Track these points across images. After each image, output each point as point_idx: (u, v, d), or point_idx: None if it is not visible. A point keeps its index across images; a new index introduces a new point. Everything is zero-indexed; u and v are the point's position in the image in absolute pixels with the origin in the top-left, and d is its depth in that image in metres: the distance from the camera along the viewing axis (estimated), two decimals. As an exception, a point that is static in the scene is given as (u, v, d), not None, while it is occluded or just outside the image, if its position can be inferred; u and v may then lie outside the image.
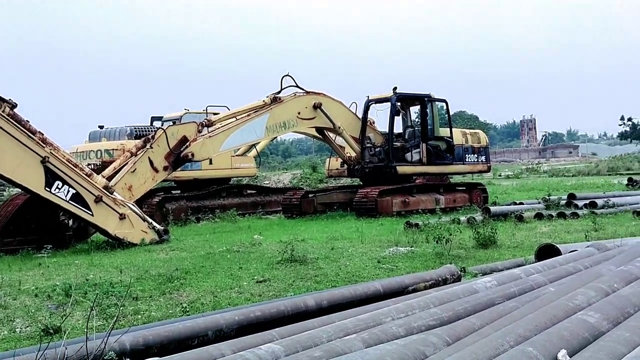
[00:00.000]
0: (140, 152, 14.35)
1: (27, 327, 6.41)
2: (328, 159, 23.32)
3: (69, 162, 12.41)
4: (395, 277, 7.35)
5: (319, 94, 18.10)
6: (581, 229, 12.20)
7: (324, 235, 13.44)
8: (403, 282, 6.50)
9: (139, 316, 6.69)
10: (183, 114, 20.99)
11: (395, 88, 18.88)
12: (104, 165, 15.13)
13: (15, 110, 11.78)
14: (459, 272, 7.23)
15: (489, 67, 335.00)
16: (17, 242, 12.96)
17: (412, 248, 10.83)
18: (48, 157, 11.79)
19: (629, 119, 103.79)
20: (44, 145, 11.95)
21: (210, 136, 15.43)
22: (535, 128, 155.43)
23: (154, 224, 13.67)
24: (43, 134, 12.24)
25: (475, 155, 20.93)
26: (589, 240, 9.73)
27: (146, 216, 13.76)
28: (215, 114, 18.54)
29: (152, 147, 14.35)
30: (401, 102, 19.34)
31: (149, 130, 19.80)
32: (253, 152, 23.51)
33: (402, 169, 18.91)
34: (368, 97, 19.65)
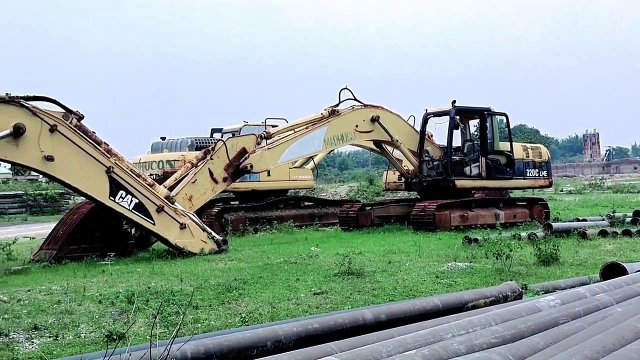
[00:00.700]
0: (200, 163, 14.62)
1: (92, 332, 6.58)
2: (385, 172, 23.25)
3: (132, 172, 12.73)
4: (454, 292, 7.26)
5: (377, 107, 18.08)
6: (648, 248, 11.80)
7: (381, 248, 13.38)
8: (462, 298, 6.40)
9: (199, 325, 6.79)
10: (242, 126, 21.26)
11: (454, 101, 18.70)
12: (166, 175, 15.51)
13: (82, 121, 12.17)
14: (520, 290, 7.08)
15: (551, 80, 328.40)
16: (81, 249, 13.34)
17: (471, 263, 10.67)
18: (113, 167, 12.13)
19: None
20: (109, 156, 12.30)
21: (268, 148, 15.59)
22: (598, 142, 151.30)
23: (214, 234, 13.87)
24: (108, 145, 12.60)
25: (537, 170, 20.49)
26: (656, 260, 9.40)
27: (206, 226, 13.97)
28: (273, 126, 18.73)
29: (212, 159, 14.60)
30: (460, 115, 19.11)
31: (209, 142, 20.11)
32: (310, 164, 23.62)
33: (460, 182, 18.67)
34: (426, 110, 19.51)
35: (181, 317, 6.66)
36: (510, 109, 20.18)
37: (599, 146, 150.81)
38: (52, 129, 11.51)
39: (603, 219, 17.23)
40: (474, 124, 20.85)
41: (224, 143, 15.01)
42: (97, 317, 7.26)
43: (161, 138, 21.78)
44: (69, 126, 11.79)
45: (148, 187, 12.78)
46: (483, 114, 19.23)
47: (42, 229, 21.44)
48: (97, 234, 13.66)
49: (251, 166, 15.03)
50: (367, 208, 20.12)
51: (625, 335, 3.74)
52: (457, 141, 19.65)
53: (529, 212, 19.54)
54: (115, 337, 6.01)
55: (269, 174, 19.98)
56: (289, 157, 16.65)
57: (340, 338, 4.70)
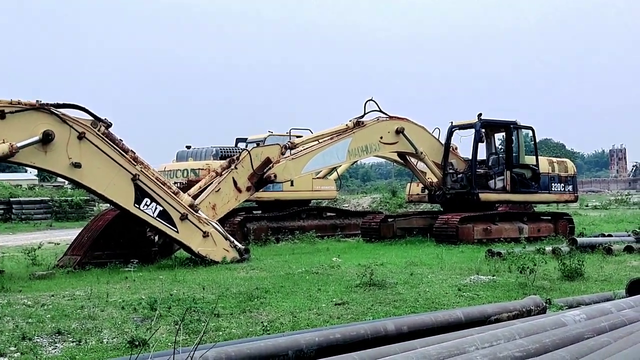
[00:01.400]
0: (225, 172, 14.70)
1: (114, 338, 6.63)
2: (409, 183, 23.15)
3: (157, 180, 12.84)
4: (477, 305, 7.20)
5: (402, 118, 18.06)
6: (675, 265, 11.60)
7: (403, 260, 13.32)
8: (485, 311, 6.34)
9: (220, 333, 6.81)
10: (267, 136, 21.38)
11: (480, 114, 18.61)
12: (190, 184, 15.63)
13: (109, 129, 12.32)
14: (544, 304, 6.99)
15: (576, 94, 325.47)
16: (105, 255, 13.45)
17: (494, 277, 10.58)
18: (138, 175, 12.24)
19: None
20: (135, 164, 12.42)
21: (292, 158, 15.63)
22: (625, 158, 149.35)
23: (236, 242, 13.92)
24: (135, 153, 12.73)
25: (562, 185, 20.28)
26: (684, 277, 9.23)
27: (228, 235, 14.03)
28: (298, 136, 18.80)
29: (236, 168, 14.68)
30: (486, 128, 19.02)
31: (233, 151, 20.24)
32: (334, 175, 23.65)
33: (484, 196, 18.55)
34: (452, 122, 19.44)
35: (203, 324, 6.68)
36: (536, 122, 20.05)
37: (625, 162, 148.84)
38: (81, 136, 11.66)
39: (629, 235, 16.97)
40: (499, 137, 20.74)
41: (249, 152, 15.09)
42: (119, 323, 7.31)
43: (186, 147, 21.96)
44: (97, 134, 11.94)
45: (172, 195, 12.88)
46: (509, 127, 19.11)
47: (67, 235, 21.71)
48: (121, 240, 13.77)
49: (275, 176, 15.07)
50: (390, 220, 20.05)
51: (652, 352, 3.69)
52: (482, 154, 19.55)
53: (554, 226, 19.33)
54: (137, 343, 6.05)
55: (292, 184, 20.06)
56: (313, 168, 16.67)
57: (361, 349, 4.68)
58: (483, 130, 18.70)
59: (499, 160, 19.39)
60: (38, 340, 6.53)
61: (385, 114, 17.70)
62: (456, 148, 20.06)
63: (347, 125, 17.04)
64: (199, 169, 19.24)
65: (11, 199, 34.08)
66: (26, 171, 62.52)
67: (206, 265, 12.87)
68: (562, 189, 20.30)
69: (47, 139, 11.25)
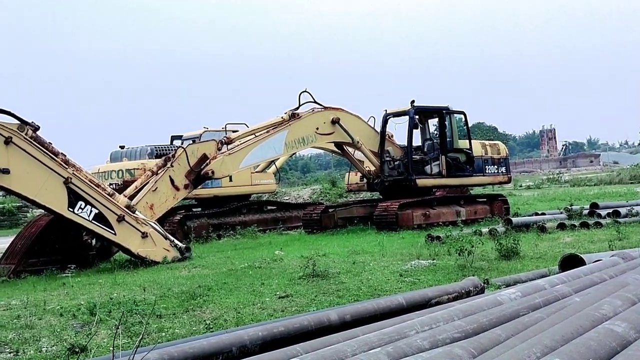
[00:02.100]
0: (161, 171, 14.48)
1: (53, 346, 6.46)
2: (347, 173, 23.32)
3: (91, 182, 12.55)
4: (418, 290, 7.33)
5: (336, 109, 18.14)
6: (605, 239, 12.06)
7: (345, 249, 13.42)
8: (426, 295, 6.47)
9: (163, 334, 6.72)
10: (202, 132, 21.15)
11: (413, 101, 18.87)
12: (126, 184, 15.29)
13: (37, 132, 11.95)
14: (482, 284, 7.18)
15: (506, 76, 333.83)
16: (41, 262, 13.07)
17: (434, 261, 10.78)
18: (71, 178, 11.93)
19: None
20: (67, 167, 12.10)
21: (229, 153, 15.51)
22: (555, 138, 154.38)
23: (176, 241, 13.74)
24: (65, 155, 12.39)
25: (495, 167, 20.80)
26: (613, 250, 9.63)
27: (168, 234, 13.85)
28: (234, 131, 18.66)
29: (172, 166, 14.48)
30: (419, 115, 19.30)
31: (169, 149, 19.96)
32: (272, 169, 23.61)
33: (422, 181, 18.85)
34: (386, 110, 19.66)
35: (144, 326, 6.58)
36: (468, 107, 20.47)
37: (555, 141, 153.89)
38: (7, 141, 11.27)
39: (561, 213, 17.58)
40: (433, 123, 21.07)
41: (184, 150, 14.89)
42: (58, 330, 7.13)
43: (120, 147, 21.49)
44: (24, 138, 11.56)
45: (108, 196, 12.61)
46: (442, 113, 19.46)
47: (-1, 243, 20.99)
48: (56, 246, 13.40)
49: (212, 172, 14.94)
50: (330, 210, 20.17)
51: (583, 324, 3.83)
52: (417, 140, 19.86)
53: (490, 208, 19.83)
54: (77, 350, 5.91)
55: (230, 180, 19.93)
56: (251, 162, 16.59)
57: (305, 340, 4.71)
58: (417, 116, 18.97)
59: (434, 145, 19.73)
60: (-28, 354, 6.31)
61: (320, 105, 17.76)
62: (392, 136, 20.31)
63: (282, 117, 17.01)
64: (134, 168, 18.88)
65: (-62, 210, 32.78)
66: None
67: (147, 266, 12.67)
68: (496, 171, 20.81)
69: (-29, 145, 10.84)
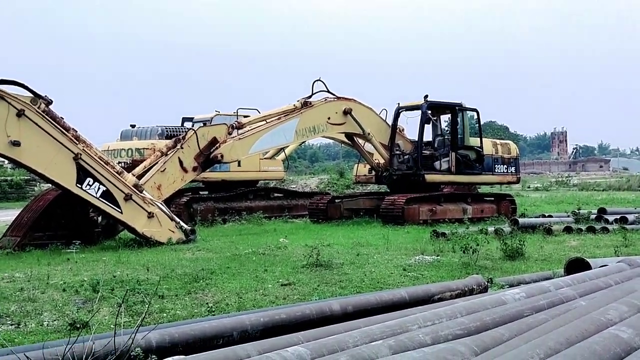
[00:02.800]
0: (170, 152, 14.49)
1: (55, 320, 6.48)
2: (356, 164, 23.31)
3: (100, 159, 12.57)
4: (421, 285, 7.31)
5: (349, 99, 18.09)
6: (611, 244, 11.99)
7: (350, 241, 13.41)
8: (429, 290, 6.44)
9: (165, 314, 6.73)
10: (214, 115, 21.13)
11: (426, 96, 18.80)
12: (135, 163, 15.33)
13: (50, 106, 11.96)
14: (486, 283, 7.15)
15: (520, 76, 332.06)
16: (46, 236, 13.13)
17: (439, 257, 10.75)
18: (80, 154, 11.95)
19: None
20: (77, 142, 12.11)
21: (240, 138, 15.50)
22: (566, 141, 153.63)
23: (182, 223, 13.77)
24: (77, 131, 12.41)
25: (505, 166, 20.72)
26: (619, 256, 9.56)
27: (174, 215, 13.87)
28: (245, 116, 18.65)
29: (182, 148, 14.48)
30: (432, 110, 19.23)
31: (179, 131, 19.98)
32: (281, 156, 23.60)
33: (430, 177, 18.80)
34: (398, 104, 19.60)
35: (146, 306, 6.59)
36: (480, 105, 20.38)
37: (566, 144, 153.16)
38: (20, 114, 11.30)
39: (568, 216, 17.51)
40: (445, 119, 21.00)
41: (195, 132, 14.90)
42: (60, 305, 7.15)
43: (131, 126, 21.54)
44: (36, 111, 11.58)
45: (116, 175, 12.63)
46: (454, 109, 19.37)
47: (6, 215, 21.04)
48: (62, 221, 13.44)
49: (222, 156, 14.93)
50: (337, 200, 20.16)
51: (587, 328, 3.80)
52: (428, 136, 19.79)
53: (497, 207, 19.77)
54: (78, 325, 5.91)
55: (239, 165, 19.95)
56: (260, 148, 16.60)
57: (307, 329, 4.70)
58: (429, 111, 18.90)
59: (445, 141, 19.65)
60: (-26, 323, 6.33)
61: (333, 95, 17.71)
62: (403, 129, 20.27)
63: (294, 105, 16.98)
64: (143, 148, 18.92)
65: (-53, 179, 32.94)
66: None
67: (151, 246, 12.69)
68: (505, 171, 20.74)
69: (-17, 116, 10.86)
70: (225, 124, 15.89)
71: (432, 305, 5.42)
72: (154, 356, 4.18)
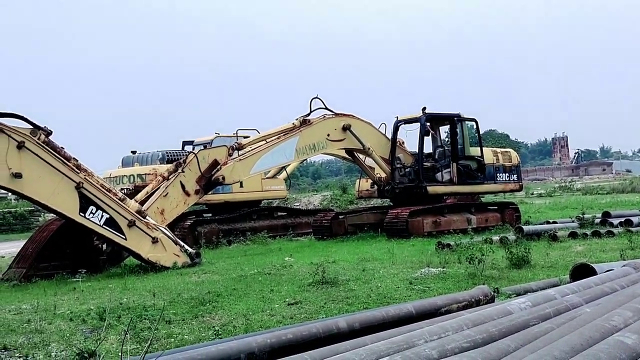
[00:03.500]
0: (172, 176, 14.54)
1: (62, 351, 6.48)
2: (358, 180, 23.33)
3: (102, 187, 12.61)
4: (427, 298, 7.30)
5: (348, 115, 18.16)
6: (617, 248, 11.95)
7: (355, 256, 13.40)
8: (435, 303, 6.44)
9: (172, 339, 6.72)
10: (214, 137, 21.22)
11: (424, 108, 18.87)
12: (137, 189, 15.37)
13: (50, 137, 12.03)
14: (492, 293, 7.13)
15: (518, 84, 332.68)
16: (52, 266, 13.15)
17: (444, 269, 10.73)
18: (82, 183, 12.00)
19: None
20: (79, 171, 12.16)
21: (240, 159, 15.55)
22: (567, 146, 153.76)
23: (186, 247, 13.77)
24: (77, 160, 12.47)
25: (507, 174, 20.72)
26: (625, 259, 9.54)
27: (178, 239, 13.88)
28: (245, 137, 18.72)
29: (183, 171, 14.54)
30: (430, 122, 19.27)
31: (180, 155, 20.04)
32: (283, 175, 23.64)
33: (432, 189, 18.80)
34: (397, 117, 19.66)
35: (153, 332, 6.59)
36: (479, 114, 20.42)
37: (567, 149, 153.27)
38: (20, 146, 11.37)
39: (573, 221, 17.48)
40: (444, 130, 21.05)
41: (196, 155, 14.95)
42: (68, 335, 7.15)
43: (132, 152, 21.62)
44: (37, 142, 11.65)
45: (119, 201, 12.67)
46: (453, 120, 19.42)
47: (11, 247, 21.12)
48: (67, 250, 13.48)
49: (223, 178, 14.97)
50: (341, 216, 20.16)
51: (593, 335, 3.80)
52: (428, 148, 19.82)
53: (501, 216, 19.75)
54: (86, 355, 5.91)
55: (241, 185, 19.98)
56: (261, 168, 16.63)
57: (314, 347, 4.69)
58: (428, 123, 18.95)
59: (445, 152, 19.68)
60: (-18, 357, 6.34)
61: (331, 111, 17.79)
62: (403, 142, 20.30)
63: (293, 124, 17.05)
64: (145, 174, 18.97)
65: (-49, 213, 33.04)
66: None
67: (157, 271, 12.70)
68: (507, 179, 20.73)
69: (-16, 149, 10.92)
70: (225, 145, 15.96)
71: (439, 319, 5.42)
72: (162, 383, 4.19)
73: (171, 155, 20.33)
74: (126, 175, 19.70)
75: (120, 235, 12.54)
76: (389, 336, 4.59)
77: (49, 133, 11.99)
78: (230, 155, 15.53)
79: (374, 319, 5.79)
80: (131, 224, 12.63)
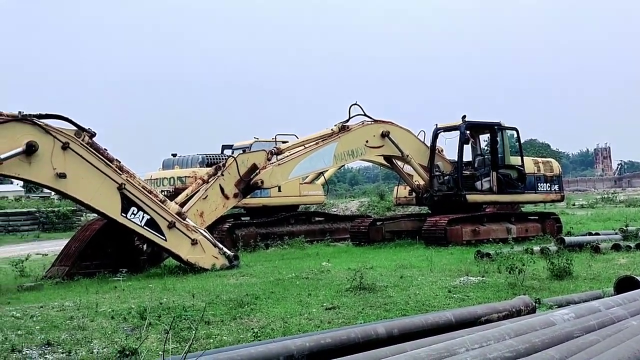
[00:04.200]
0: (211, 179, 14.68)
1: (104, 348, 6.59)
2: (396, 187, 23.20)
3: (144, 188, 12.80)
4: (467, 307, 7.22)
5: (387, 122, 18.11)
6: (662, 261, 11.70)
7: (393, 263, 13.34)
8: (475, 312, 6.37)
9: (211, 340, 6.79)
10: (253, 142, 21.34)
11: (464, 116, 18.72)
12: (177, 192, 15.55)
13: (94, 139, 12.27)
14: (534, 304, 7.02)
15: (560, 93, 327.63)
16: (94, 265, 13.40)
17: (484, 278, 10.62)
18: (124, 184, 12.19)
19: None
20: (121, 173, 12.37)
21: (279, 164, 15.63)
22: (610, 157, 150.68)
23: (225, 249, 13.88)
24: (120, 162, 12.68)
25: (548, 184, 20.41)
26: (671, 273, 9.31)
27: (217, 242, 14.00)
28: (284, 142, 18.79)
29: (223, 175, 14.67)
30: (470, 130, 19.12)
31: (219, 158, 20.22)
32: (321, 180, 23.65)
33: (472, 197, 18.62)
34: (436, 125, 19.53)
35: (193, 332, 6.66)
36: (520, 123, 20.17)
37: (610, 160, 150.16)
38: (65, 147, 11.61)
39: (616, 233, 17.13)
40: (484, 138, 20.82)
41: (235, 159, 15.07)
42: (109, 332, 7.27)
43: (172, 155, 21.90)
44: (81, 144, 11.89)
45: (159, 203, 12.84)
46: (493, 129, 19.22)
47: (54, 245, 21.55)
48: (109, 250, 13.72)
49: (262, 182, 15.07)
50: (378, 223, 20.10)
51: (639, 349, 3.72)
52: (467, 156, 19.65)
53: (541, 226, 19.45)
54: (127, 352, 6.01)
55: (279, 190, 20.01)
56: (300, 173, 16.68)
57: (352, 353, 4.68)
58: (468, 132, 18.79)
59: (485, 161, 19.49)
60: (27, 352, 6.47)
61: (370, 118, 17.76)
62: (442, 150, 20.14)
63: (332, 129, 17.07)
64: (185, 176, 19.18)
65: (-3, 211, 33.85)
66: (12, 183, 62.10)
67: (195, 272, 12.82)
68: (549, 189, 20.42)
69: (30, 150, 11.19)
70: (264, 150, 16.06)
71: (479, 327, 5.36)
72: (203, 382, 4.23)
73: (211, 159, 20.52)
74: (167, 178, 19.96)
75: (161, 237, 12.71)
76: (429, 343, 4.57)
77: (92, 135, 12.22)
78: (269, 159, 15.62)
79: (412, 325, 5.76)
80: (171, 226, 12.79)
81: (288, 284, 10.71)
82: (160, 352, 6.06)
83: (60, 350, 6.54)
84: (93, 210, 12.66)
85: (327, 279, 11.25)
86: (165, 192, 16.14)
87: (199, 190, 14.60)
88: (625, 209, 36.71)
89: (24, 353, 6.41)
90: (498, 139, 19.16)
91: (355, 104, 17.47)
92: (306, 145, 16.68)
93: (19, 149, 11.08)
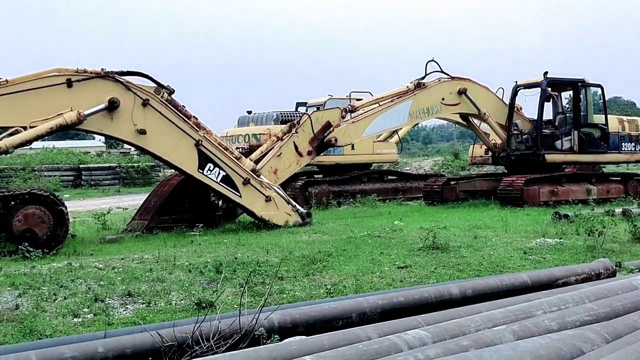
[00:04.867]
0: (285, 136, 14.76)
1: (182, 300, 6.80)
2: (472, 145, 22.75)
3: (220, 145, 12.99)
4: (543, 269, 7.06)
5: (464, 79, 17.67)
6: None
7: (466, 223, 13.15)
8: (553, 274, 6.22)
9: (284, 295, 6.90)
10: (327, 99, 21.27)
11: (546, 73, 18.05)
12: (252, 149, 15.75)
13: (172, 96, 12.49)
14: (614, 267, 6.81)
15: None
16: (172, 220, 13.78)
17: (561, 240, 10.33)
18: (201, 141, 12.40)
19: None
20: (198, 130, 12.58)
21: (353, 122, 15.55)
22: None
23: (298, 206, 14.00)
24: (197, 119, 12.89)
25: (633, 144, 19.57)
26: None
27: (290, 199, 14.13)
28: (358, 99, 18.66)
29: (297, 132, 14.72)
30: (552, 87, 18.43)
31: (294, 116, 20.28)
32: (395, 138, 23.43)
33: (551, 157, 18.07)
34: (516, 82, 18.92)
35: (268, 287, 6.77)
36: (605, 80, 19.32)
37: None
38: (145, 103, 11.87)
39: None
40: (566, 96, 20.07)
41: (309, 117, 15.08)
42: (187, 285, 7.49)
43: (247, 112, 22.12)
44: (160, 100, 12.13)
45: (235, 160, 13.02)
46: (576, 86, 18.46)
47: (134, 200, 22.32)
48: (186, 205, 14.06)
49: (336, 140, 15.05)
50: (452, 182, 19.82)
51: None
52: (547, 114, 19.01)
53: (624, 187, 18.77)
54: (204, 305, 6.19)
55: (353, 148, 19.96)
56: (374, 131, 16.56)
57: (425, 312, 4.66)
58: (549, 88, 18.14)
59: (566, 119, 18.82)
60: (109, 301, 6.75)
61: (447, 75, 17.37)
62: (520, 108, 19.55)
63: (407, 87, 16.80)
64: (260, 133, 19.38)
65: (80, 166, 35.13)
66: (94, 138, 64.15)
67: (269, 229, 13.02)
68: (633, 149, 19.61)
69: (112, 106, 11.49)
70: (338, 107, 15.99)
71: (557, 290, 5.23)
72: (277, 336, 4.30)
73: (285, 116, 20.60)
74: (242, 135, 20.21)
75: (236, 193, 12.91)
76: (504, 305, 4.49)
77: (171, 92, 12.44)
78: (343, 117, 15.55)
79: (487, 287, 5.67)
80: (246, 182, 12.97)
81: (360, 242, 10.73)
82: (235, 306, 6.21)
83: (141, 301, 6.79)
84: (171, 166, 12.96)
85: (399, 237, 11.21)
86: (240, 149, 16.34)
87: (273, 147, 14.72)
88: None
89: (106, 303, 6.69)
90: (581, 96, 18.43)
91: (432, 61, 17.13)
92: (381, 103, 16.50)
93: (102, 105, 11.40)
